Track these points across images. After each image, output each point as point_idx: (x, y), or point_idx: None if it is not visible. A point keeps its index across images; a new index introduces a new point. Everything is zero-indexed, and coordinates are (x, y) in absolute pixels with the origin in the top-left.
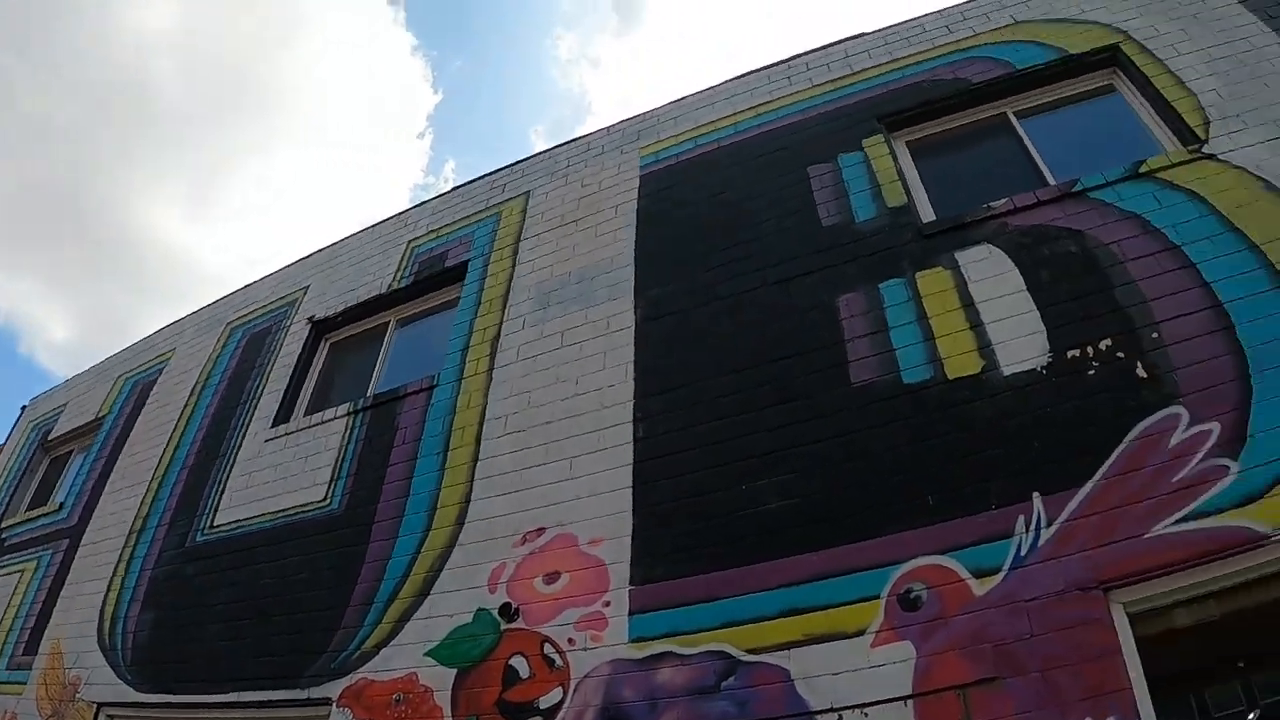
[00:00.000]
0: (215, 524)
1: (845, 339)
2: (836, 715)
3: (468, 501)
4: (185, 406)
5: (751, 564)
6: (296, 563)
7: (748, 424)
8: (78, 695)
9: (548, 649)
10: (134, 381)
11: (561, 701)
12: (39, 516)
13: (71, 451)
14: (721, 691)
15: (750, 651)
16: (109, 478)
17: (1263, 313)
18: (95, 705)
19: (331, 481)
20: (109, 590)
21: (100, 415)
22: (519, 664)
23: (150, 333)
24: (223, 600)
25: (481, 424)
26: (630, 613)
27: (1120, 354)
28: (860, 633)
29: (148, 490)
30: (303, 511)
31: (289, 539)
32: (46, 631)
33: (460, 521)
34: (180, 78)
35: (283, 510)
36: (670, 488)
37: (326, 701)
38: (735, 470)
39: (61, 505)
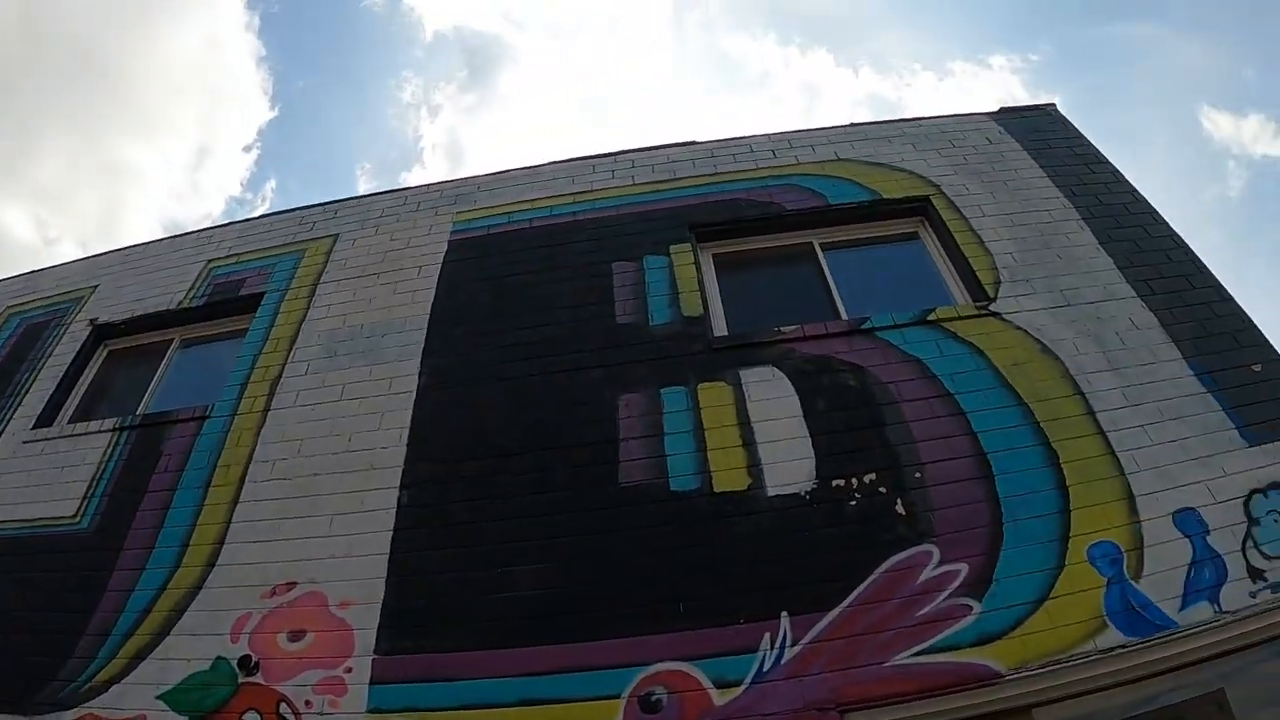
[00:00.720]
0: None
1: (620, 438)
2: None
3: (221, 543)
4: None
5: (496, 648)
6: (36, 579)
7: (511, 508)
8: None
9: (283, 708)
10: None
11: None
12: None
13: None
14: None
15: None
16: None
17: (1021, 466)
18: None
19: (85, 499)
20: None
21: None
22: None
23: None
24: None
25: (248, 465)
26: (371, 681)
27: (882, 489)
28: None
29: None
30: (50, 525)
31: (32, 552)
32: None
33: (211, 563)
34: (21, 33)
35: (29, 520)
36: (427, 560)
37: None
38: (492, 552)
39: None
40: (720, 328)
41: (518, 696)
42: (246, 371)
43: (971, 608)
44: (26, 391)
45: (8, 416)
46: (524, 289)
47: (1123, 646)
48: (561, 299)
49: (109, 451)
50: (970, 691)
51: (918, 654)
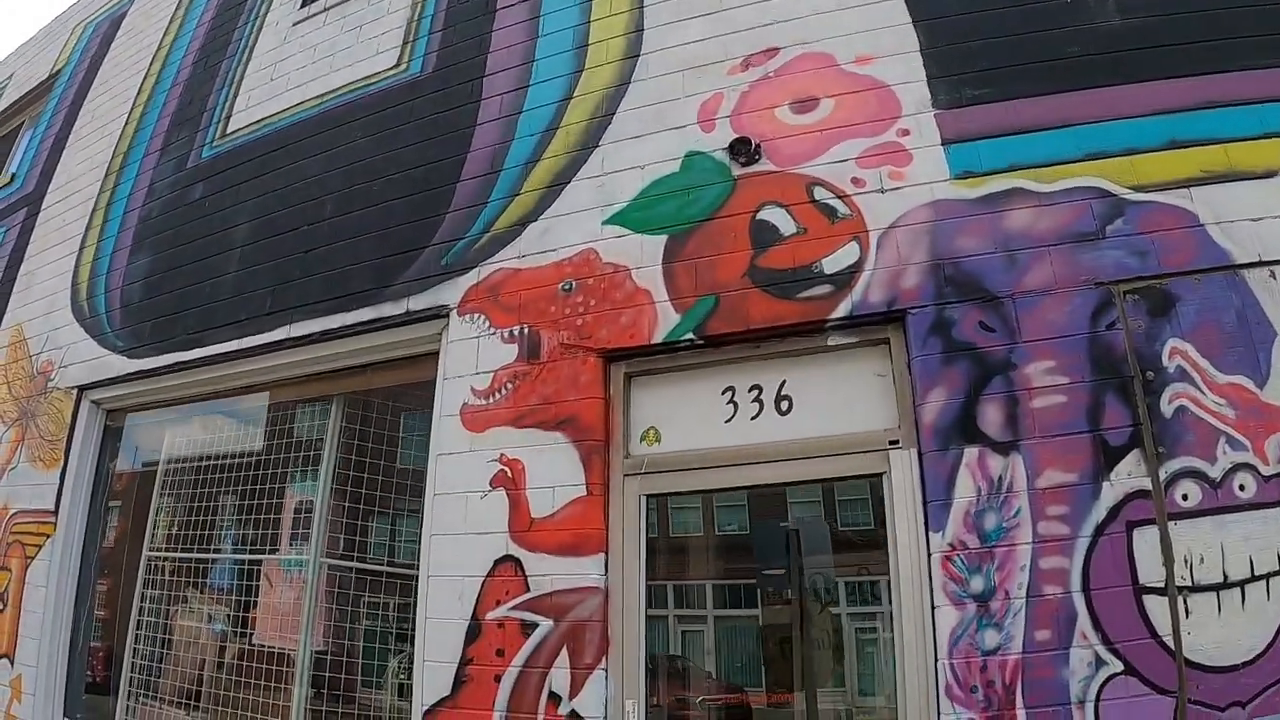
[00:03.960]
0: (229, 131)
1: None
2: (1268, 271)
3: (639, 30)
4: (170, 23)
5: (1108, 86)
6: (363, 145)
7: None
8: (50, 384)
9: (820, 194)
10: (96, 23)
11: (860, 260)
12: None
13: (21, 125)
14: (1108, 237)
15: (1135, 189)
16: (72, 129)
17: None
18: (75, 390)
19: (407, 43)
20: (84, 247)
21: (55, 71)
22: (775, 217)
23: None
24: (248, 217)
25: None
26: (944, 142)
27: None
28: (1271, 175)
29: (127, 123)
30: (367, 84)
31: (346, 120)
32: (4, 319)
33: (633, 54)
34: None
35: (333, 90)
36: None
37: (440, 313)
38: None
39: (13, 176)
40: None
41: (1164, 138)
42: None
43: None
44: None
45: (260, 11)
46: None
47: None
48: None
49: None
50: None
51: None
